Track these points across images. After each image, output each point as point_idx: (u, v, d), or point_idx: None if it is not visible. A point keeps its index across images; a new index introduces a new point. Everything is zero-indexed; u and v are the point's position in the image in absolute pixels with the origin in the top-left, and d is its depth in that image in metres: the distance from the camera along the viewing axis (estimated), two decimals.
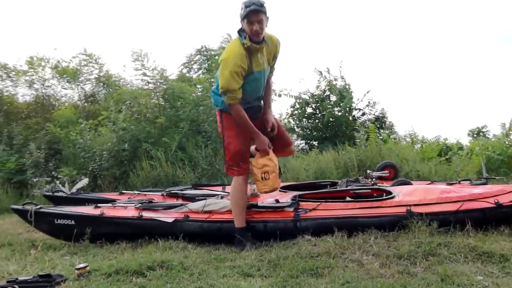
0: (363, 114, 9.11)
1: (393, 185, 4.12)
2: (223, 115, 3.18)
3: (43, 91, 9.38)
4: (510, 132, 8.93)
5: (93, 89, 9.53)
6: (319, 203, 3.27)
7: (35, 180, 6.61)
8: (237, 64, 2.88)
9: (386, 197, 3.34)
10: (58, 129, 7.46)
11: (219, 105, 3.18)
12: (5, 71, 9.15)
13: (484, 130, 12.70)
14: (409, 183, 4.20)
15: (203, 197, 3.69)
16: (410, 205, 3.12)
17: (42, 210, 3.54)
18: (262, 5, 2.85)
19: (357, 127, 7.79)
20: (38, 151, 7.05)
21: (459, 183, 4.45)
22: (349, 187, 4.03)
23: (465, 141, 11.31)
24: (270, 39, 3.06)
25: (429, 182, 4.74)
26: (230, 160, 3.15)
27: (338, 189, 4.08)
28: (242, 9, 2.87)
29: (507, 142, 8.67)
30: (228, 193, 3.55)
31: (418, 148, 8.69)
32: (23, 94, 9.37)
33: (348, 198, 3.71)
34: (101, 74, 9.28)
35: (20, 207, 3.63)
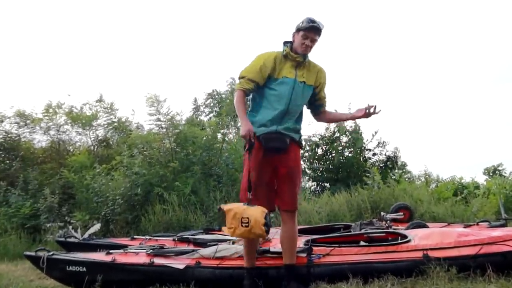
0: (374, 154, 9.08)
1: (408, 227, 4.04)
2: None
3: (58, 136, 9.64)
4: None
5: (106, 134, 9.75)
6: (332, 247, 3.21)
7: (48, 225, 6.62)
8: (261, 58, 2.95)
9: (402, 241, 3.26)
10: (72, 174, 7.57)
11: None
12: (22, 118, 9.46)
13: (500, 168, 12.52)
14: (424, 226, 4.12)
15: (214, 243, 3.65)
16: (427, 249, 3.04)
17: (54, 256, 3.53)
18: (322, 27, 2.94)
19: (367, 168, 7.74)
20: (52, 196, 7.13)
21: (477, 224, 4.34)
22: (363, 231, 3.95)
23: (481, 179, 11.14)
24: (313, 64, 3.10)
25: (446, 224, 4.64)
26: (241, 191, 3.01)
27: (352, 232, 4.00)
28: (303, 22, 2.92)
29: None
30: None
31: (433, 188, 8.56)
32: (39, 140, 9.63)
33: (362, 243, 3.63)
34: (114, 120, 9.51)
35: (32, 253, 3.62)
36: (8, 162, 9.23)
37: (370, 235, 3.77)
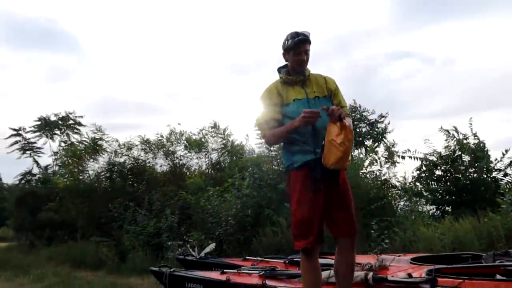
0: (506, 175, 7.98)
1: None
2: (290, 175, 2.82)
3: (177, 161, 10.51)
4: None
5: (219, 158, 10.33)
6: (462, 280, 2.84)
7: (169, 243, 7.14)
8: (265, 96, 2.83)
9: None
10: (189, 195, 8.12)
11: (284, 164, 2.94)
12: (147, 145, 10.56)
13: None
14: None
15: (327, 267, 3.52)
16: None
17: (175, 273, 3.76)
18: (308, 35, 2.77)
19: (501, 191, 6.81)
20: (172, 216, 7.71)
21: None
22: (498, 262, 3.44)
23: None
24: (318, 76, 2.91)
25: None
26: (296, 229, 2.77)
27: (484, 264, 3.52)
28: (287, 41, 2.77)
29: None
30: (357, 264, 3.32)
31: None
32: (161, 164, 10.62)
33: (498, 276, 3.16)
34: (227, 144, 10.05)
35: (157, 269, 3.92)
36: (136, 185, 10.33)
37: (508, 268, 3.27)
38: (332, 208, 2.73)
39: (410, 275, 3.01)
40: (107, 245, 8.38)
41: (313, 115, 2.60)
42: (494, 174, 7.87)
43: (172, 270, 3.79)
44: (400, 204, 7.84)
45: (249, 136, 11.72)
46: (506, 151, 7.97)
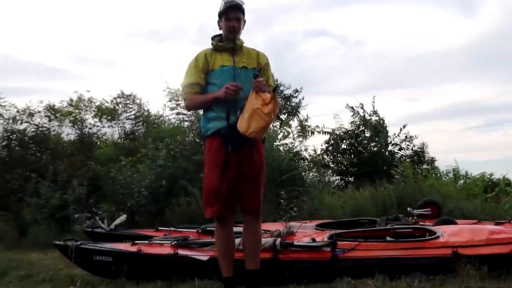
0: (401, 149, 8.87)
1: (436, 224, 3.92)
2: (205, 142, 2.86)
3: (86, 130, 9.88)
4: None
5: (132, 127, 9.93)
6: (358, 242, 3.15)
7: (76, 216, 6.79)
8: (192, 61, 2.82)
9: (430, 238, 3.18)
10: (99, 166, 7.74)
11: (201, 132, 2.94)
12: (52, 112, 9.73)
13: None
14: (453, 222, 3.99)
15: (239, 235, 3.65)
16: (456, 247, 2.95)
17: (82, 246, 3.61)
18: (241, 4, 2.80)
19: (395, 163, 7.57)
20: (80, 187, 7.30)
21: (509, 222, 4.18)
22: (389, 226, 3.87)
23: None
24: (252, 49, 2.94)
25: (475, 221, 4.49)
26: (205, 197, 2.82)
27: (378, 228, 3.93)
28: (220, 6, 2.80)
29: None
30: (264, 231, 3.48)
31: (462, 184, 8.30)
32: (68, 133, 9.90)
33: (388, 238, 3.56)
34: (140, 113, 9.67)
35: (61, 243, 3.72)
36: (39, 155, 9.52)
37: (397, 230, 3.69)
38: (242, 182, 2.74)
39: (314, 240, 3.27)
40: (4, 219, 7.69)
41: (235, 90, 2.60)
42: (391, 148, 8.71)
43: (78, 243, 3.63)
44: (309, 175, 8.33)
45: (165, 106, 11.41)
46: (404, 126, 8.84)
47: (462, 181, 8.67)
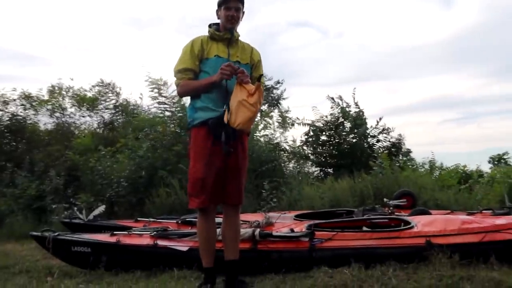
0: (378, 141, 9.04)
1: (411, 214, 4.04)
2: (191, 132, 2.81)
3: (64, 119, 9.68)
4: None
5: (111, 117, 9.78)
6: (335, 232, 3.22)
7: (54, 206, 6.69)
8: (187, 46, 2.79)
9: (405, 227, 3.27)
10: (77, 156, 7.61)
11: (187, 121, 2.90)
12: (28, 100, 9.49)
13: (505, 157, 12.44)
14: (427, 213, 4.12)
15: (218, 225, 3.67)
16: (429, 236, 3.05)
17: (59, 237, 3.57)
18: None
19: (374, 154, 7.72)
20: (58, 178, 7.18)
21: (480, 212, 4.33)
22: (365, 216, 3.96)
23: (486, 168, 11.09)
24: (246, 44, 2.95)
25: (449, 211, 4.63)
26: (190, 188, 2.77)
27: (355, 218, 4.02)
28: None
29: None
30: (244, 221, 3.52)
31: (437, 175, 8.53)
32: (45, 122, 9.68)
33: (365, 228, 3.65)
34: (119, 103, 9.53)
35: (38, 234, 3.67)
36: (14, 144, 9.30)
37: (373, 221, 3.78)
38: (226, 174, 2.75)
39: (292, 230, 3.32)
40: None
41: (231, 70, 2.60)
42: (369, 140, 8.87)
43: (56, 234, 3.59)
44: (289, 166, 8.41)
45: (143, 95, 11.26)
46: (380, 118, 9.01)
47: (437, 173, 8.92)
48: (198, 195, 2.70)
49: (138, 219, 4.69)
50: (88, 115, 9.67)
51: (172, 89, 7.45)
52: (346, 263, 2.95)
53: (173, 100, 7.43)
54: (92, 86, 9.81)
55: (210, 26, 2.87)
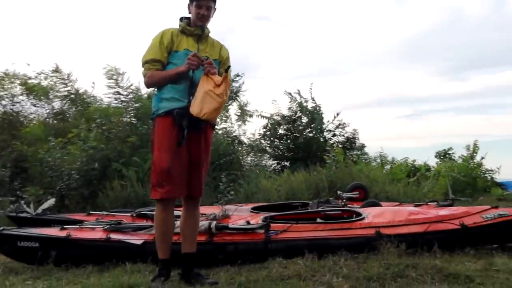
0: (334, 135, 9.28)
1: (362, 206, 4.19)
2: (155, 122, 2.75)
3: (11, 107, 9.14)
4: (474, 154, 9.32)
5: (62, 106, 9.35)
6: (290, 224, 3.29)
7: None
8: (157, 36, 2.78)
9: (356, 219, 3.39)
10: (25, 146, 7.24)
11: (152, 110, 2.83)
12: None
13: (450, 152, 13.18)
14: (378, 205, 4.29)
15: (176, 218, 3.63)
16: (379, 227, 3.18)
17: (4, 232, 3.39)
18: None
19: (328, 148, 7.93)
20: (3, 169, 6.81)
21: (426, 204, 4.57)
22: (319, 209, 4.07)
23: (432, 162, 11.71)
24: (216, 40, 2.95)
25: (398, 203, 4.85)
26: (154, 178, 2.71)
27: (309, 210, 4.11)
28: None
29: (471, 164, 9.04)
30: (201, 214, 3.50)
31: (388, 169, 8.91)
32: None
33: (318, 220, 3.75)
34: (71, 91, 9.12)
35: None
36: None
37: (327, 212, 3.89)
38: (189, 165, 2.72)
39: (248, 222, 3.35)
40: None
41: (198, 60, 2.60)
42: (325, 134, 9.09)
43: (1, 228, 3.41)
44: (247, 159, 8.46)
45: (95, 83, 10.82)
46: (337, 114, 9.25)
47: (388, 167, 9.32)
48: (163, 185, 2.65)
49: (91, 212, 4.55)
50: (40, 105, 9.18)
51: (127, 79, 7.24)
52: (300, 254, 3.02)
53: (129, 90, 7.23)
54: (43, 73, 9.31)
55: (181, 19, 2.86)
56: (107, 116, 7.17)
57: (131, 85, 7.27)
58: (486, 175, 8.94)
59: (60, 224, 3.68)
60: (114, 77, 7.15)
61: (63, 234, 3.35)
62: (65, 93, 9.19)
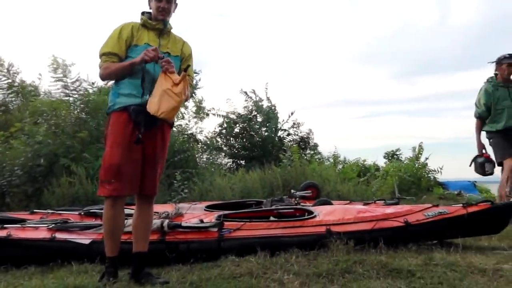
0: (288, 134, 9.44)
1: (315, 204, 4.30)
2: (110, 117, 2.69)
3: None
4: (419, 155, 9.82)
5: (4, 98, 8.80)
6: (243, 223, 3.30)
7: None
8: (117, 29, 2.72)
9: (308, 217, 3.46)
10: None
11: (109, 105, 2.75)
12: None
13: (398, 153, 13.80)
14: (329, 203, 4.41)
15: (130, 217, 3.53)
16: (329, 225, 3.27)
17: None
18: None
19: (284, 147, 8.05)
20: None
21: (374, 203, 4.76)
22: (273, 207, 4.12)
23: (381, 162, 12.21)
24: (178, 37, 2.91)
25: (348, 202, 5.01)
26: (103, 174, 2.63)
27: (263, 208, 4.15)
28: None
29: (416, 165, 9.52)
30: (155, 212, 3.43)
31: (340, 168, 9.19)
32: None
33: (272, 218, 3.79)
34: (14, 83, 8.61)
35: None
36: None
37: (280, 211, 3.95)
38: (143, 164, 2.67)
39: (202, 221, 3.32)
40: None
41: (155, 54, 2.55)
42: (280, 133, 9.22)
43: None
44: (202, 157, 8.40)
45: (42, 75, 10.27)
46: (292, 113, 9.42)
47: (340, 166, 9.61)
48: (111, 182, 2.58)
49: (34, 211, 4.31)
50: None
51: (78, 73, 6.94)
52: (253, 251, 3.05)
53: (77, 83, 6.93)
54: None
55: (143, 13, 2.80)
56: (55, 110, 6.83)
57: (79, 78, 6.98)
58: (429, 175, 9.44)
59: (0, 223, 3.47)
60: (59, 69, 6.83)
61: (3, 234, 3.17)
62: (9, 84, 8.67)
